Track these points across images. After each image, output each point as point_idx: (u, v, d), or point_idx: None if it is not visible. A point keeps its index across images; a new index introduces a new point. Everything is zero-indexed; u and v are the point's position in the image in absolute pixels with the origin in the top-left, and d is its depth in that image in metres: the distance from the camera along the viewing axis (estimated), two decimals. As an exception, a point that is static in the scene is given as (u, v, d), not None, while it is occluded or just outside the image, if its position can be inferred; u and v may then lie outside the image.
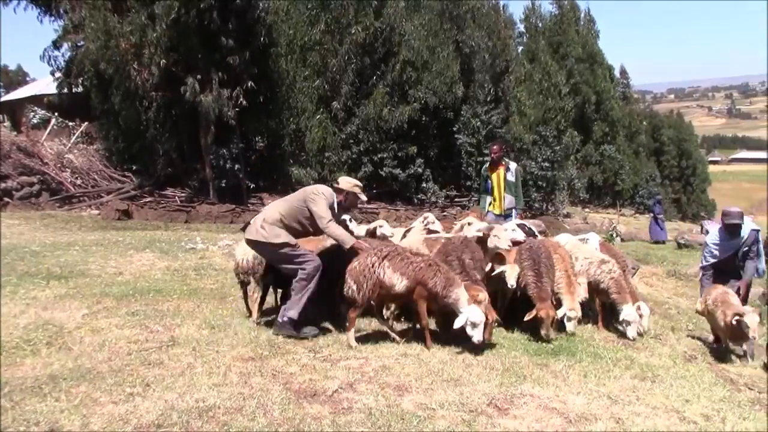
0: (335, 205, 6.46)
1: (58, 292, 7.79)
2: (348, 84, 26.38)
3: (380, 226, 8.25)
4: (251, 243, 6.47)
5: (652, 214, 24.93)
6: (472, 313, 5.73)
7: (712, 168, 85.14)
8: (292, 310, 6.23)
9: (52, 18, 23.54)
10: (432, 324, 6.43)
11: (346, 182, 6.68)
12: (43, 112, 27.20)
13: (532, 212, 30.07)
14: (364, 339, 6.24)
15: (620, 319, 7.25)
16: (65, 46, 23.36)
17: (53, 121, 25.15)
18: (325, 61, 26.22)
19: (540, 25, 50.33)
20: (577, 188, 38.58)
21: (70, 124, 24.72)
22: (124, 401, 4.51)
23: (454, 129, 29.66)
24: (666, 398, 5.11)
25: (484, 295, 6.05)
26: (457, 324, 5.76)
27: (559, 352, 6.18)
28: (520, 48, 43.29)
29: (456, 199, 29.84)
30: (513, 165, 10.87)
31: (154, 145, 21.33)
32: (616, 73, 57.99)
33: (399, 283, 5.93)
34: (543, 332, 6.52)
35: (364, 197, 6.82)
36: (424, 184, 28.41)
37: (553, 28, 49.59)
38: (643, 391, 5.22)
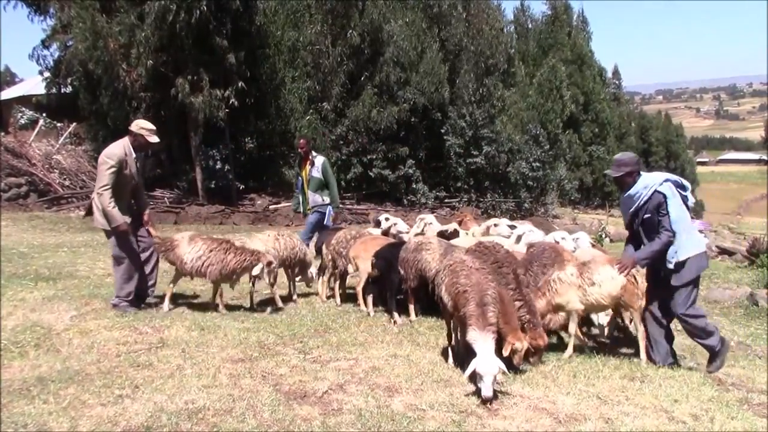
0: (130, 151, 7.01)
1: (47, 294, 7.75)
2: (338, 85, 26.36)
3: (395, 224, 8.45)
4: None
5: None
6: (481, 362, 4.78)
7: (700, 169, 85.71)
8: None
9: (42, 17, 23.45)
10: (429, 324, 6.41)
11: (135, 124, 7.20)
12: (31, 112, 27.05)
13: (521, 213, 30.20)
14: (353, 340, 6.23)
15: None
16: (54, 45, 23.27)
17: (41, 121, 25.01)
18: (316, 63, 26.20)
19: (530, 26, 50.56)
20: (568, 189, 38.74)
21: (59, 124, 24.59)
22: (113, 403, 4.49)
23: (443, 131, 29.74)
24: (655, 398, 5.13)
25: (521, 345, 5.40)
26: (466, 373, 4.95)
27: (548, 352, 6.19)
28: (512, 50, 43.49)
29: (446, 200, 29.91)
30: (319, 160, 9.92)
31: (143, 146, 21.22)
32: (609, 74, 58.33)
33: (448, 303, 5.47)
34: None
35: (154, 138, 7.24)
36: (414, 185, 28.43)
37: (544, 30, 49.84)
38: (632, 391, 5.24)
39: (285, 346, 5.99)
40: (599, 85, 51.34)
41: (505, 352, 5.28)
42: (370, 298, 7.58)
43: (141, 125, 7.15)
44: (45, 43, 23.25)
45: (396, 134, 27.61)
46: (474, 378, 4.90)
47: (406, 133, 28.27)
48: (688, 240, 5.96)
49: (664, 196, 5.89)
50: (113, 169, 6.74)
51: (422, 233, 8.63)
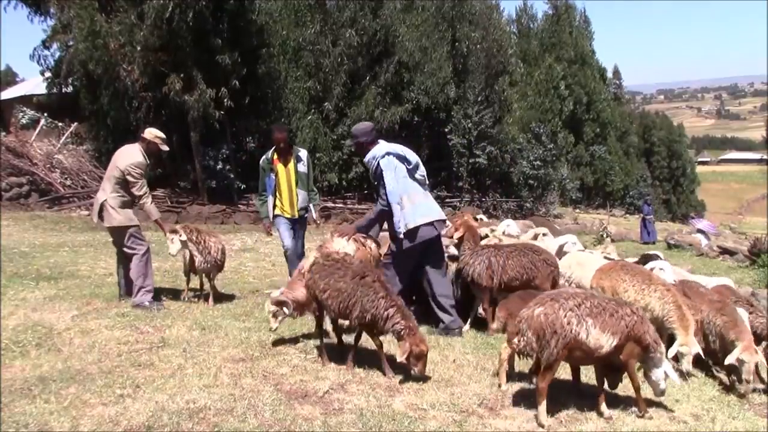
0: (145, 156, 7.34)
1: (48, 294, 7.76)
2: (340, 85, 26.33)
3: (507, 226, 8.91)
4: (110, 229, 7.30)
5: (641, 215, 25.01)
6: (670, 369, 4.83)
7: (701, 168, 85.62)
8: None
9: (42, 18, 23.44)
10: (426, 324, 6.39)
11: (149, 132, 7.51)
12: (32, 112, 27.01)
13: (522, 213, 30.19)
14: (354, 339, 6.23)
15: None
16: (54, 46, 23.25)
17: (42, 121, 24.99)
18: (317, 62, 26.18)
19: (532, 26, 50.59)
20: (569, 189, 38.73)
21: (60, 124, 24.58)
22: (114, 403, 4.49)
23: (446, 130, 29.70)
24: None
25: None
26: (659, 379, 4.77)
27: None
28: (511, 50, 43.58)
29: (447, 200, 29.88)
30: (303, 152, 8.30)
31: (144, 145, 21.24)
32: (609, 74, 58.36)
33: (608, 344, 4.55)
34: None
35: (166, 147, 7.57)
36: (415, 185, 28.39)
37: (546, 29, 49.88)
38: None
39: (286, 346, 5.98)
40: (600, 85, 51.38)
41: (401, 357, 5.04)
42: None
43: (155, 134, 7.47)
44: (45, 44, 23.23)
45: (398, 134, 27.58)
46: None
47: (407, 132, 28.25)
48: (414, 211, 6.31)
49: (377, 161, 6.32)
50: (141, 171, 7.21)
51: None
